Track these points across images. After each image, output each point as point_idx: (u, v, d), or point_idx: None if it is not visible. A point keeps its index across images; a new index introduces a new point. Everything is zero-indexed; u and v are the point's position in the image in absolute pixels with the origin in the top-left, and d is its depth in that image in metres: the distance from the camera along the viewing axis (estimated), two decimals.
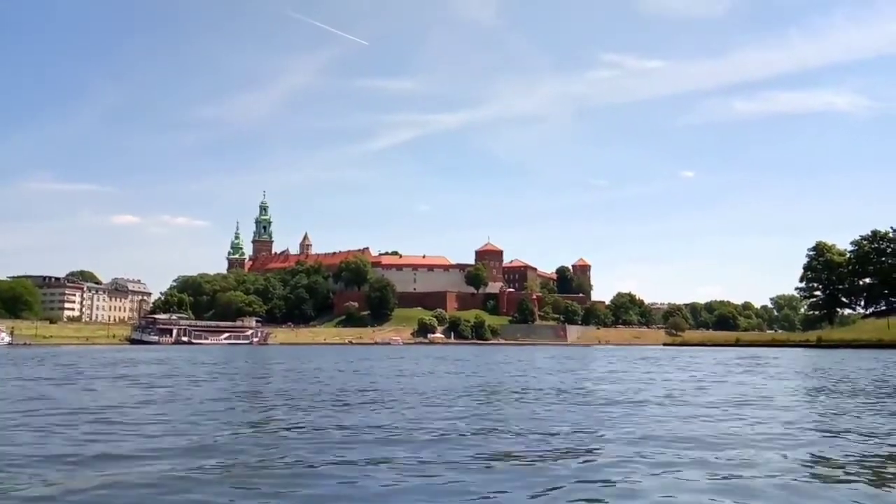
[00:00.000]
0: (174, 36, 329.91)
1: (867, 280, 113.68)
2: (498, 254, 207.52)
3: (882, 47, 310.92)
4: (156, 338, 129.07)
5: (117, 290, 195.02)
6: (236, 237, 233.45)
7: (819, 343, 69.35)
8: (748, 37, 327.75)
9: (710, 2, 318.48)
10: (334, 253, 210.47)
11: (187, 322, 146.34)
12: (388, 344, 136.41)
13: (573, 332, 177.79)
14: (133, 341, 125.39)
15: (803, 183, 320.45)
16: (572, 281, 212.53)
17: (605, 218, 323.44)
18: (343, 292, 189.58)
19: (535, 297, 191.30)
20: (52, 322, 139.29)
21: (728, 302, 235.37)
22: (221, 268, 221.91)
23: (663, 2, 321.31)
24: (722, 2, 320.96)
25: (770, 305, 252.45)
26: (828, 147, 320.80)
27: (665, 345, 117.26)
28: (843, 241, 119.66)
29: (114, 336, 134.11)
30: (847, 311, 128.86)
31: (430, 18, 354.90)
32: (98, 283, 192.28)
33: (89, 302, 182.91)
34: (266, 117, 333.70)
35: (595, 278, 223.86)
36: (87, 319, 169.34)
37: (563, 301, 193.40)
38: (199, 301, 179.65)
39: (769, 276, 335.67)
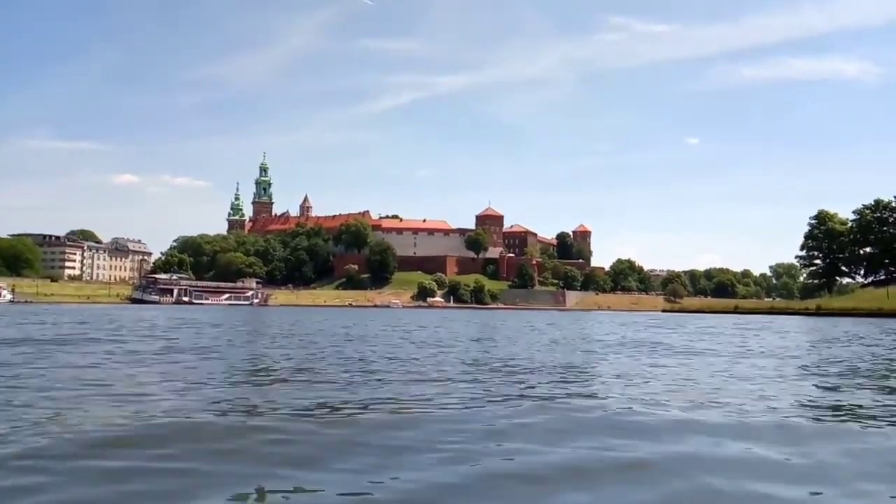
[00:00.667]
0: None
1: (868, 249, 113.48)
2: (498, 219, 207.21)
3: (891, 14, 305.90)
4: (156, 297, 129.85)
5: (118, 249, 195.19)
6: (236, 198, 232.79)
7: (818, 311, 69.51)
8: (757, 1, 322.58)
9: None
10: (335, 216, 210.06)
11: (188, 282, 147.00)
12: (388, 307, 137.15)
13: (572, 297, 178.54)
14: (134, 300, 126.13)
15: (809, 151, 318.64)
16: (572, 247, 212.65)
17: (607, 184, 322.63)
18: (343, 255, 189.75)
19: (534, 262, 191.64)
20: (53, 280, 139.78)
21: (727, 269, 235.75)
22: (222, 229, 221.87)
23: None
24: None
25: (769, 273, 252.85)
26: (835, 115, 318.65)
27: (664, 311, 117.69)
28: (846, 211, 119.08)
29: (115, 295, 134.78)
30: (846, 281, 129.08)
31: None
32: (98, 242, 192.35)
33: (90, 261, 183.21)
34: (267, 78, 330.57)
35: (595, 244, 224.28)
36: (88, 278, 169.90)
37: (563, 266, 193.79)
38: (199, 262, 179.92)
39: (769, 244, 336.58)
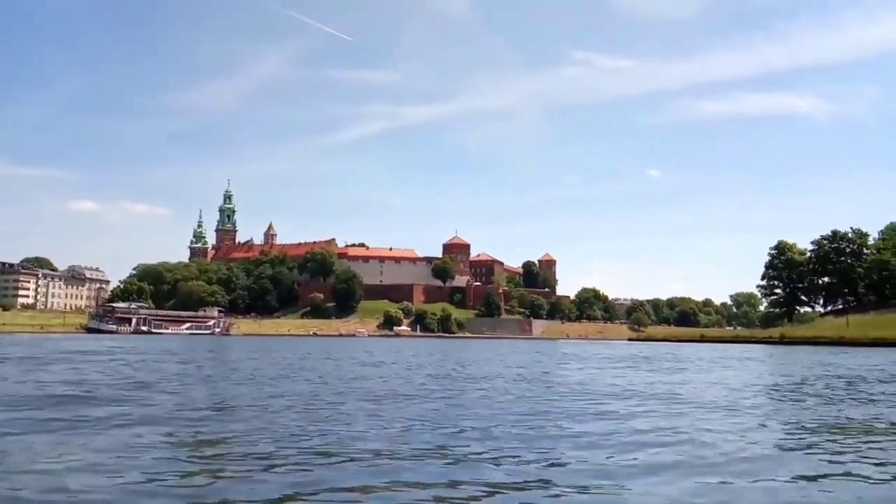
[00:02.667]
0: (141, 21, 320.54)
1: (826, 279, 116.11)
2: (465, 247, 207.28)
3: (844, 53, 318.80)
4: (114, 327, 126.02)
5: (74, 277, 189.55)
6: (199, 225, 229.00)
7: (782, 340, 70.40)
8: (716, 39, 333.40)
9: (680, 4, 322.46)
10: (300, 243, 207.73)
11: (147, 311, 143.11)
12: (354, 336, 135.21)
13: (538, 326, 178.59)
14: (90, 330, 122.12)
15: (766, 183, 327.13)
16: (538, 275, 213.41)
17: (571, 214, 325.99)
18: (308, 283, 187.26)
19: (501, 290, 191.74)
20: (4, 309, 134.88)
21: (689, 298, 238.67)
22: (183, 257, 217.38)
23: (635, 2, 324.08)
24: (692, 4, 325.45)
25: (729, 302, 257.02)
26: (790, 149, 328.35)
27: (629, 339, 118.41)
28: (804, 241, 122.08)
29: (69, 325, 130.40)
30: (805, 309, 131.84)
31: (404, 11, 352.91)
32: (54, 269, 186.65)
33: (44, 289, 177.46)
34: (234, 106, 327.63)
35: (560, 273, 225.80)
36: (43, 307, 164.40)
37: (529, 295, 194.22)
38: (159, 290, 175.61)
39: (729, 273, 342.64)
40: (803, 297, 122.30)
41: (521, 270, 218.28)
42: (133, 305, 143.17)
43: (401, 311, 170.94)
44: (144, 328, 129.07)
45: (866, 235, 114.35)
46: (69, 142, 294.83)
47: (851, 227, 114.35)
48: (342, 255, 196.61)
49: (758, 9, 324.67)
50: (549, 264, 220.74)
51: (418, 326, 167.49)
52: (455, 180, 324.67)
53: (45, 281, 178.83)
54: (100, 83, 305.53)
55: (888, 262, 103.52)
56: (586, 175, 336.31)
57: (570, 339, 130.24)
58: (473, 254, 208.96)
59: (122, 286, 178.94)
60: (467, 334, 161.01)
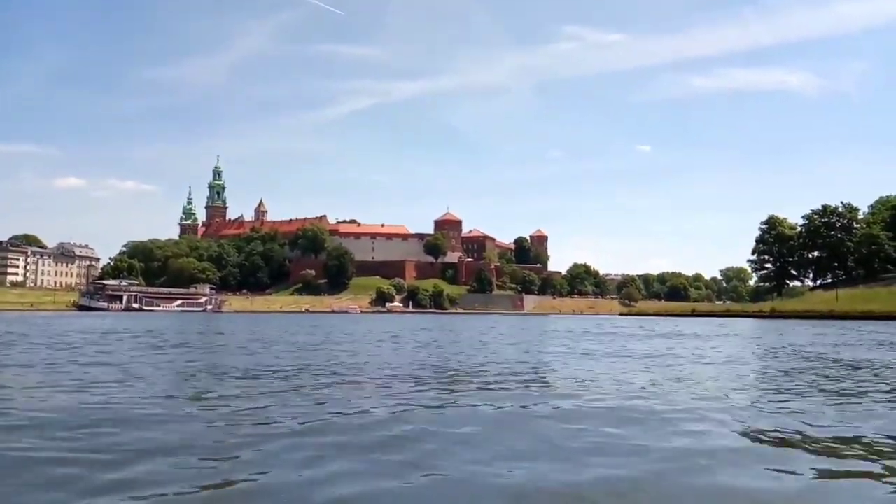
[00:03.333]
0: None
1: (816, 253, 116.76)
2: (457, 224, 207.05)
3: (832, 28, 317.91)
4: (105, 304, 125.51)
5: (63, 254, 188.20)
6: (188, 202, 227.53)
7: (773, 314, 70.95)
8: (706, 14, 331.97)
9: None
10: (291, 220, 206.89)
11: (138, 288, 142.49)
12: (346, 312, 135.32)
13: (530, 301, 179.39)
14: (81, 308, 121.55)
15: (756, 158, 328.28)
16: (530, 251, 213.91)
17: (562, 190, 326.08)
18: (299, 260, 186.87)
19: (493, 267, 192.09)
20: None
21: (679, 273, 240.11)
22: (173, 234, 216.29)
23: None
24: None
25: (719, 277, 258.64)
26: (780, 124, 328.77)
27: (621, 314, 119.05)
28: (793, 217, 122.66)
29: (61, 302, 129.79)
30: (795, 284, 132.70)
31: None
32: (43, 247, 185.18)
33: (34, 267, 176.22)
34: (220, 82, 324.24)
35: (552, 249, 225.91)
36: (32, 285, 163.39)
37: (521, 271, 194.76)
38: (150, 267, 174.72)
39: (718, 249, 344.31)
40: (793, 272, 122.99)
41: (512, 246, 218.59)
42: (124, 283, 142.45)
43: (393, 288, 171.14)
44: (136, 306, 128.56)
45: (856, 210, 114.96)
46: (52, 117, 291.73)
47: (842, 202, 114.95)
48: (333, 232, 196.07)
49: None
50: (540, 240, 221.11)
51: (410, 303, 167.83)
52: (446, 156, 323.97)
53: (35, 258, 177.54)
54: (83, 57, 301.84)
55: (877, 236, 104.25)
56: (577, 151, 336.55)
57: (561, 315, 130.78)
58: (465, 230, 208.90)
59: (112, 263, 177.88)
60: (459, 310, 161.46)
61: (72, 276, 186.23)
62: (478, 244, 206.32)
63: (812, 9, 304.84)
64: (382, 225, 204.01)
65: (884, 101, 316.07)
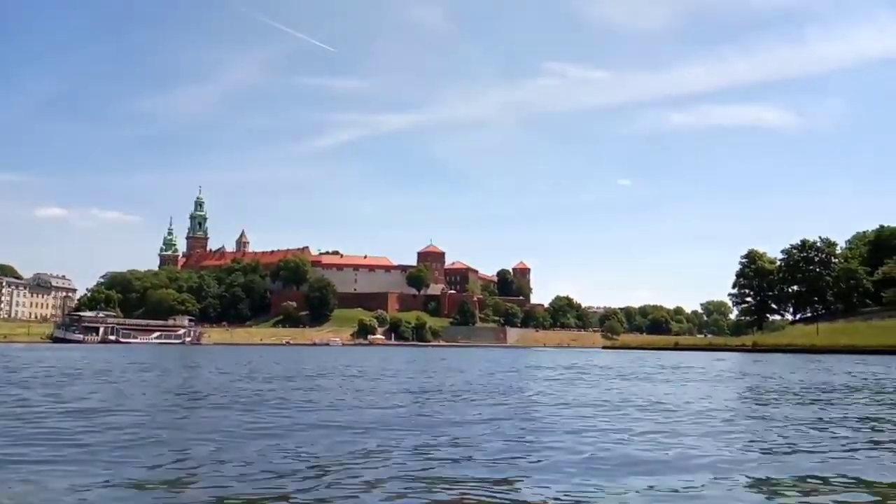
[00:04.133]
0: (112, 26, 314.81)
1: (795, 287, 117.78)
2: (440, 255, 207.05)
3: (809, 67, 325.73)
4: (80, 336, 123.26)
5: (39, 285, 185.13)
6: (169, 233, 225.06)
7: (755, 347, 71.15)
8: (686, 51, 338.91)
9: (650, 17, 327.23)
10: (272, 251, 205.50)
11: (115, 320, 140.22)
12: (327, 345, 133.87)
13: (513, 334, 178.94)
14: (56, 339, 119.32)
15: (734, 193, 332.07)
16: (512, 283, 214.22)
17: (544, 223, 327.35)
18: (281, 292, 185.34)
19: (476, 299, 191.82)
20: None
21: (661, 306, 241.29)
22: (153, 265, 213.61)
23: (607, 15, 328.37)
24: (662, 17, 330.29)
25: (700, 311, 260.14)
26: (759, 160, 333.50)
27: (604, 347, 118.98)
28: (773, 251, 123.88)
29: (34, 334, 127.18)
30: (775, 317, 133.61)
31: (378, 20, 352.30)
32: (19, 277, 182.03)
33: (8, 298, 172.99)
34: (206, 112, 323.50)
35: (534, 281, 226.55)
36: (6, 316, 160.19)
37: (504, 303, 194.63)
38: (128, 299, 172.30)
39: (699, 282, 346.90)
40: (773, 305, 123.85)
41: (495, 278, 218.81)
42: (100, 314, 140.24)
43: (375, 320, 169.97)
44: (112, 337, 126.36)
45: (834, 245, 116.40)
46: (36, 147, 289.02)
47: (819, 237, 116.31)
48: (316, 263, 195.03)
49: (725, 23, 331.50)
50: (523, 272, 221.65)
51: (393, 335, 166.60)
52: (430, 188, 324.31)
53: (10, 289, 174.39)
54: (68, 87, 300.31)
55: (855, 270, 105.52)
56: (559, 184, 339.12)
57: (546, 348, 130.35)
58: (448, 262, 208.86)
59: (89, 294, 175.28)
60: (442, 343, 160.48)
61: (48, 307, 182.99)
62: (461, 276, 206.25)
63: (790, 48, 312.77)
64: (365, 256, 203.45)
65: (859, 139, 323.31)
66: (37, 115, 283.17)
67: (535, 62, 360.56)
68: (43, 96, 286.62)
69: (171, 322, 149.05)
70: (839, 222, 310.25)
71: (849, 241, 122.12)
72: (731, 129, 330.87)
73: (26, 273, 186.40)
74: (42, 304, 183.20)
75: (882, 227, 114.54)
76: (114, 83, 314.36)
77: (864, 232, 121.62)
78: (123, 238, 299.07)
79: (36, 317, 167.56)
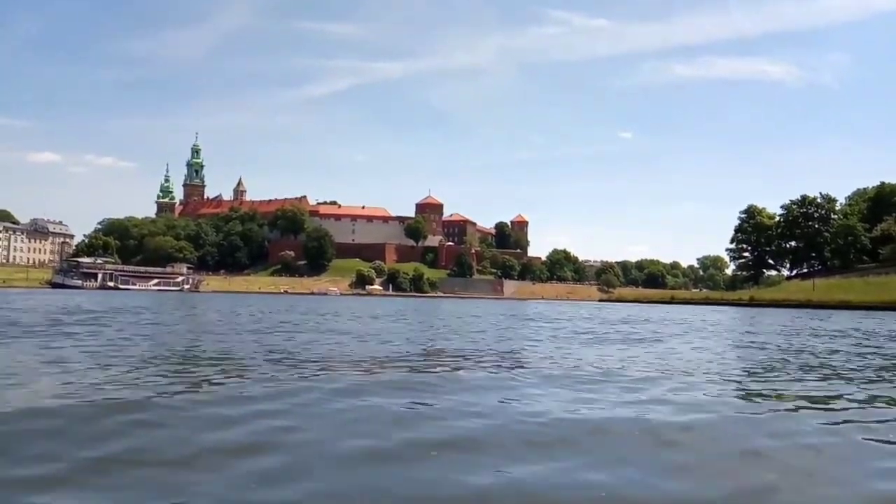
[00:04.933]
0: None
1: (793, 243, 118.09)
2: (438, 207, 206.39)
3: (815, 20, 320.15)
4: (79, 282, 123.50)
5: (37, 230, 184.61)
6: (166, 180, 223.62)
7: (751, 302, 71.65)
8: (690, 2, 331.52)
9: None
10: (270, 200, 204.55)
11: (113, 266, 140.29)
12: (325, 294, 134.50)
13: (510, 286, 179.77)
14: (55, 285, 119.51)
15: (737, 147, 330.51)
16: (510, 237, 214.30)
17: (543, 175, 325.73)
18: (279, 241, 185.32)
19: (473, 251, 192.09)
20: None
21: (657, 261, 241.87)
22: (150, 212, 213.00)
23: None
24: None
25: (696, 265, 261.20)
26: (761, 114, 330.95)
27: (600, 300, 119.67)
28: (772, 207, 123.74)
29: (33, 279, 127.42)
30: (772, 273, 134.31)
31: None
32: (16, 223, 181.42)
33: (6, 243, 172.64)
34: (200, 57, 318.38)
35: (532, 234, 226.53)
36: (4, 261, 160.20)
37: (501, 256, 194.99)
38: (125, 245, 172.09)
39: (696, 237, 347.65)
40: (770, 261, 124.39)
41: (493, 231, 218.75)
42: (99, 261, 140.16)
43: (373, 270, 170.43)
44: (111, 284, 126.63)
45: (834, 201, 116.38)
46: (25, 89, 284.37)
47: (820, 193, 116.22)
48: (313, 213, 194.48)
49: None
50: (521, 225, 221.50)
51: (390, 285, 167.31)
52: (427, 138, 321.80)
53: (7, 234, 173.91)
54: (55, 26, 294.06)
55: (854, 227, 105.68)
56: (559, 136, 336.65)
57: (543, 300, 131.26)
58: (446, 214, 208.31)
59: (87, 241, 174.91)
60: (439, 294, 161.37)
61: (45, 252, 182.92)
62: (459, 228, 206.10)
63: (796, 0, 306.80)
64: (363, 207, 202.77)
65: (863, 95, 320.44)
66: (25, 56, 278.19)
67: (536, 8, 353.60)
68: (29, 36, 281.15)
69: (169, 269, 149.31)
70: (840, 178, 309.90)
71: (849, 197, 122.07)
72: (734, 81, 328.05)
73: (23, 218, 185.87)
74: (40, 250, 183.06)
75: (883, 183, 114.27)
76: (103, 24, 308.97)
77: (864, 188, 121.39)
78: (119, 184, 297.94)
79: (34, 262, 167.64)
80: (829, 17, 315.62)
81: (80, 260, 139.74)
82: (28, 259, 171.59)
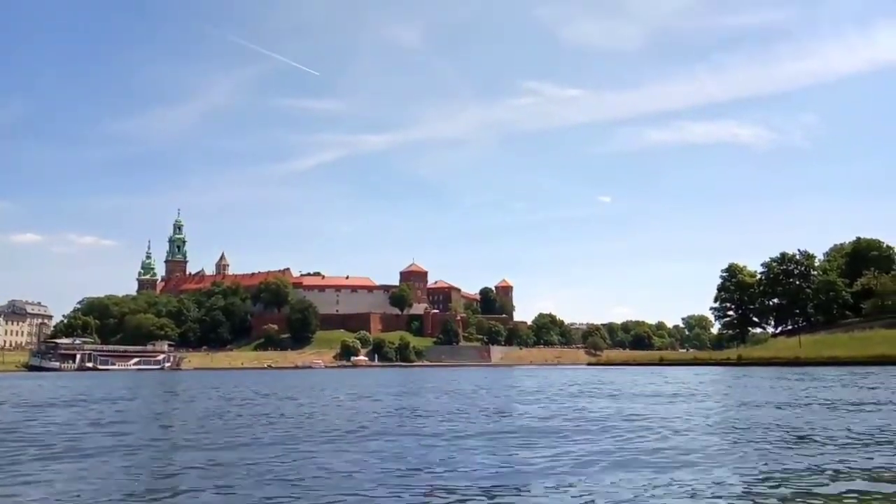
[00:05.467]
0: (84, 47, 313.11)
1: (776, 300, 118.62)
2: (422, 275, 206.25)
3: (780, 84, 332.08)
4: (57, 364, 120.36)
5: (14, 312, 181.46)
6: (147, 256, 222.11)
7: (739, 361, 71.31)
8: (660, 70, 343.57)
9: (625, 36, 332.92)
10: (253, 273, 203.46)
11: (92, 347, 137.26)
12: (310, 368, 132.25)
13: (497, 352, 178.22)
14: (32, 368, 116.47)
15: (712, 208, 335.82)
16: (495, 302, 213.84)
17: (526, 240, 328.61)
18: (262, 314, 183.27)
19: (459, 318, 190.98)
20: None
21: (643, 322, 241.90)
22: (131, 290, 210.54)
23: (582, 34, 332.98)
24: (636, 37, 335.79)
25: (682, 325, 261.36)
26: (735, 175, 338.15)
27: (588, 364, 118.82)
28: (752, 265, 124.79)
29: (9, 362, 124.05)
30: (757, 330, 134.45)
31: (356, 40, 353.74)
32: None
33: None
34: (183, 135, 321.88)
35: (517, 299, 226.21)
36: None
37: (487, 322, 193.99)
38: (105, 324, 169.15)
39: (680, 297, 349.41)
40: (755, 318, 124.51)
41: (478, 297, 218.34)
42: (77, 341, 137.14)
43: (358, 341, 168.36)
44: (89, 364, 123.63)
45: (813, 257, 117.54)
46: (7, 170, 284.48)
47: (799, 250, 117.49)
48: (297, 285, 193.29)
49: (696, 42, 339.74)
50: (505, 290, 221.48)
51: (376, 356, 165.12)
52: (411, 207, 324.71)
53: None
54: (38, 108, 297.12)
55: (834, 282, 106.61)
56: (539, 201, 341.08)
57: (532, 365, 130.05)
58: (430, 281, 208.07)
59: (66, 321, 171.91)
60: (426, 363, 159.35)
61: (23, 334, 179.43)
62: (443, 295, 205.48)
63: (762, 66, 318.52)
64: (347, 277, 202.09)
65: (833, 153, 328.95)
66: (11, 137, 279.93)
67: (512, 81, 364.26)
68: (17, 119, 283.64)
69: (149, 348, 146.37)
70: (816, 234, 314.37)
71: (826, 253, 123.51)
72: (708, 145, 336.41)
73: (1, 300, 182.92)
74: (17, 332, 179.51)
75: (859, 238, 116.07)
76: (86, 105, 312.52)
77: (841, 244, 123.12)
78: (100, 263, 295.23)
79: (11, 344, 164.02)
80: (796, 82, 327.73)
81: (57, 341, 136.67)
82: (4, 342, 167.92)
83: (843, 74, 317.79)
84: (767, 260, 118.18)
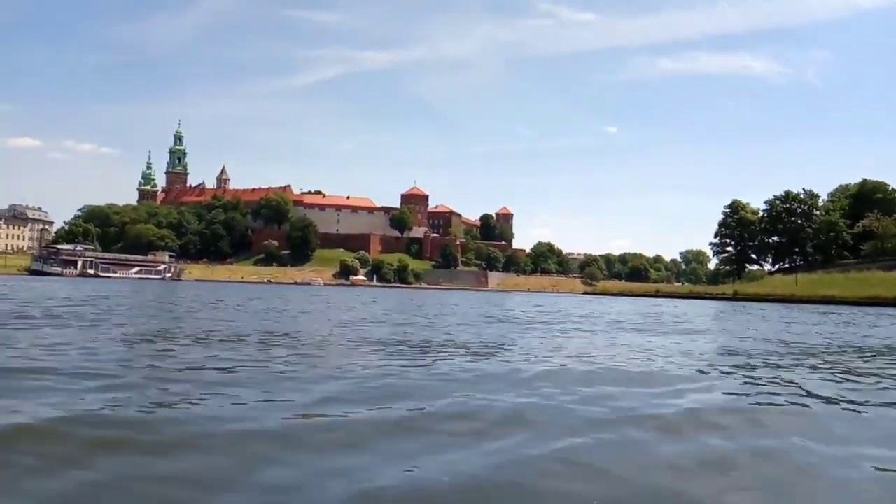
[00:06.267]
0: None
1: (776, 238, 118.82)
2: (423, 198, 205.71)
3: (797, 17, 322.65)
4: (58, 269, 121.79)
5: (15, 217, 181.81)
6: (148, 167, 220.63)
7: (735, 296, 71.98)
8: None
9: None
10: (254, 189, 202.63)
11: (94, 254, 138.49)
12: (309, 284, 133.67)
13: (494, 278, 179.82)
14: (33, 272, 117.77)
15: (720, 143, 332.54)
16: (495, 228, 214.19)
17: (528, 167, 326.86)
18: (262, 230, 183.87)
19: (458, 242, 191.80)
20: None
21: (640, 254, 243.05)
22: (131, 199, 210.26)
23: None
24: None
25: (679, 259, 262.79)
26: (745, 109, 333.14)
27: (585, 293, 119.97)
28: (755, 202, 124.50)
29: (10, 266, 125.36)
30: (754, 267, 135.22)
31: None
32: None
33: None
34: (184, 43, 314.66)
35: (517, 227, 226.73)
36: None
37: (486, 248, 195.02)
38: (106, 233, 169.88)
39: (678, 231, 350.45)
40: (753, 256, 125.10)
41: (478, 223, 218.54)
42: (79, 248, 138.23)
43: (357, 261, 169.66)
44: (91, 271, 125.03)
45: (817, 197, 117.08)
46: (6, 72, 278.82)
47: (803, 188, 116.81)
48: (298, 202, 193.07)
49: None
50: (506, 217, 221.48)
51: (374, 276, 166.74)
52: (413, 129, 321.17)
53: None
54: (37, 9, 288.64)
55: (836, 223, 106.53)
56: (544, 129, 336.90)
57: (530, 291, 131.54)
58: (431, 205, 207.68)
59: (66, 227, 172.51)
60: (424, 285, 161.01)
61: (24, 239, 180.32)
62: (444, 220, 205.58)
63: None
64: (348, 197, 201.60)
65: (845, 93, 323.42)
66: (7, 39, 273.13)
67: (525, 0, 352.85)
68: (10, 19, 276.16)
69: (150, 258, 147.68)
70: (823, 174, 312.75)
71: (831, 193, 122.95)
72: (719, 77, 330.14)
73: (1, 204, 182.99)
74: (18, 236, 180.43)
75: (865, 180, 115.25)
76: (86, 7, 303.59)
77: (846, 185, 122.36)
78: (100, 171, 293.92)
79: (12, 248, 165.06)
80: (813, 15, 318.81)
81: (59, 247, 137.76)
82: (6, 245, 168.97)
83: (862, 9, 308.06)
84: (771, 198, 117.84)
